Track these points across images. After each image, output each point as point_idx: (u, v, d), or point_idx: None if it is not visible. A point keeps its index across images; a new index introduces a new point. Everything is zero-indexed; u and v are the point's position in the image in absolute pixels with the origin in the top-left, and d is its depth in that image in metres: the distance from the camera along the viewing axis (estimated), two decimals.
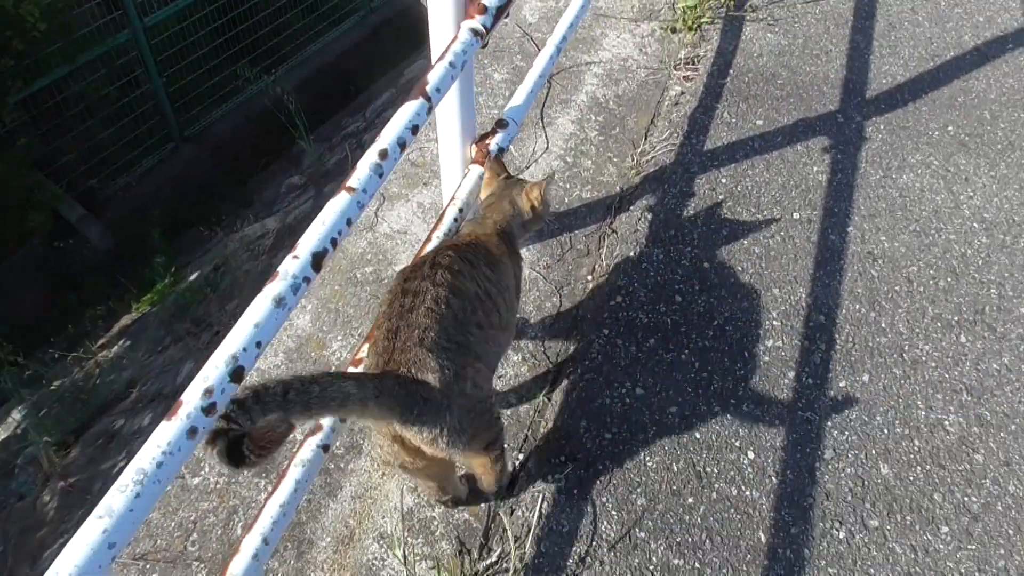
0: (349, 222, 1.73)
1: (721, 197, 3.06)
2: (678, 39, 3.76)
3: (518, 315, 2.67)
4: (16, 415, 5.11)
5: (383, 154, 1.82)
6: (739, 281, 2.79)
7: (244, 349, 1.50)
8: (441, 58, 2.04)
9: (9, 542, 4.11)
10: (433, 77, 1.99)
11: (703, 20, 3.76)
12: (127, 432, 4.43)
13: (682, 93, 3.51)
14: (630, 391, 2.50)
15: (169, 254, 6.49)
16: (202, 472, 2.39)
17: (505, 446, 2.16)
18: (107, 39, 6.41)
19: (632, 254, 2.88)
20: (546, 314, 2.75)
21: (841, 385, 2.51)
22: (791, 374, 2.54)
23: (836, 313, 2.70)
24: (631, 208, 3.05)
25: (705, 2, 3.80)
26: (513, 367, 2.61)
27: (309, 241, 1.66)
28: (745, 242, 2.91)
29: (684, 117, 3.35)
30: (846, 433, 2.40)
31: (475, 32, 2.12)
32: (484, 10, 2.16)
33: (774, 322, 2.68)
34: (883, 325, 2.67)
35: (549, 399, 2.51)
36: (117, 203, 6.86)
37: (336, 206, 1.72)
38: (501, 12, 2.21)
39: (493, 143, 2.55)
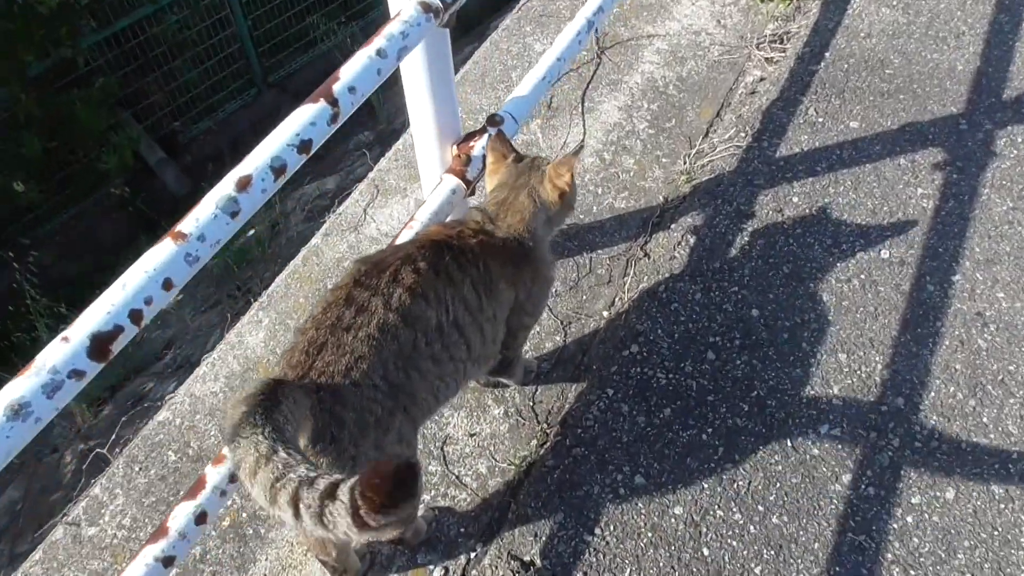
0: (168, 284, 1.16)
1: (789, 222, 2.31)
2: (767, 10, 2.95)
3: (530, 353, 2.08)
4: None
5: (243, 183, 1.24)
6: (795, 339, 2.08)
7: None
8: (367, 44, 1.42)
9: (27, 499, 3.93)
10: (347, 72, 1.38)
11: None
12: (154, 396, 4.15)
13: (761, 79, 2.73)
14: (627, 478, 1.87)
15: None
16: (101, 520, 1.94)
17: (420, 513, 1.73)
18: None
19: (662, 289, 2.20)
20: (544, 356, 2.13)
21: (914, 502, 1.80)
22: (847, 478, 1.84)
23: (921, 396, 1.95)
24: (672, 227, 2.35)
25: None
26: (491, 423, 2.01)
27: (93, 316, 1.11)
28: (811, 286, 2.18)
29: (758, 111, 2.59)
30: (912, 574, 1.70)
31: (426, 7, 1.48)
32: None
33: (834, 400, 1.96)
34: (985, 420, 1.91)
35: (527, 475, 1.92)
36: (197, 147, 6.57)
37: (149, 262, 1.16)
38: None
39: (478, 146, 1.92)
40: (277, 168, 1.26)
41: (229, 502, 1.85)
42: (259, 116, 6.84)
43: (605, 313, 2.21)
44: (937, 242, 2.24)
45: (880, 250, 2.23)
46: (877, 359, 2.03)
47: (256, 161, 1.25)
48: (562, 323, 2.19)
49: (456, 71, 2.43)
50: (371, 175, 2.61)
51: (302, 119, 1.30)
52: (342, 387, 1.31)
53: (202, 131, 6.65)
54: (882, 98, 2.59)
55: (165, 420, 2.08)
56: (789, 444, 1.90)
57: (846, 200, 2.34)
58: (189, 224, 1.18)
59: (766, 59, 2.77)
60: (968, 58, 2.68)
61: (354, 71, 1.36)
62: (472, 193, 1.93)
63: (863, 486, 1.83)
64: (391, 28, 1.43)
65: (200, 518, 1.41)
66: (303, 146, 1.29)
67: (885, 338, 2.07)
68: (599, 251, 2.33)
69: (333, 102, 1.33)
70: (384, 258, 1.47)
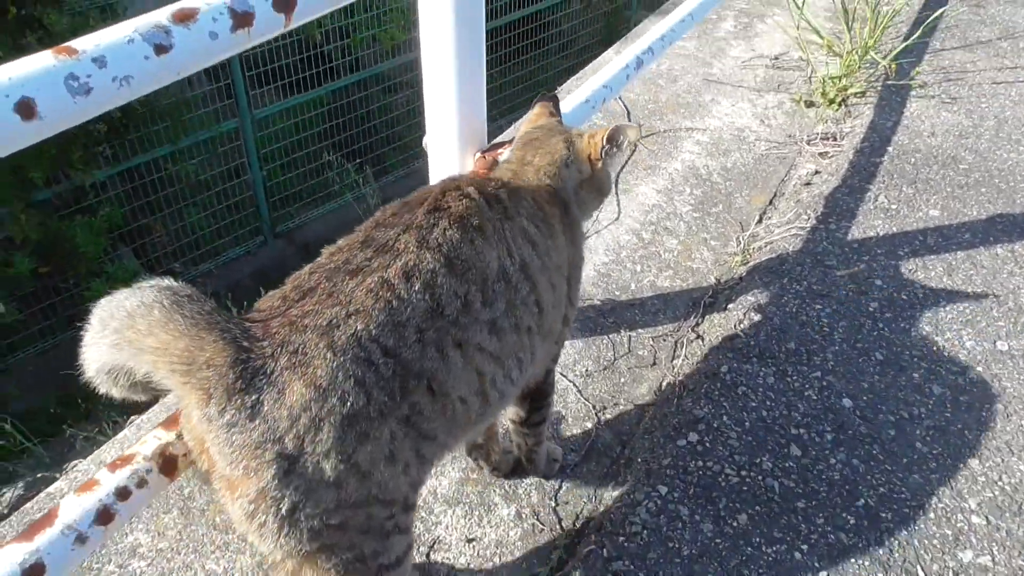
0: (27, 109, 0.69)
1: (874, 305, 1.83)
2: (815, 113, 2.66)
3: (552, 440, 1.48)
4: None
5: (184, 16, 0.80)
6: (905, 436, 1.52)
7: None
8: None
9: None
10: None
11: (851, 91, 2.65)
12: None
13: (816, 172, 2.36)
14: None
15: None
16: None
17: None
18: (213, 125, 5.96)
19: (725, 371, 1.67)
20: (570, 447, 1.56)
21: None
22: None
23: None
24: (729, 307, 1.87)
25: (855, 72, 2.70)
26: (497, 526, 1.41)
27: None
28: (915, 376, 1.65)
29: (819, 197, 2.19)
30: None
31: None
32: None
33: (972, 518, 1.38)
34: None
35: None
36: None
37: (6, 71, 0.68)
38: None
39: (508, 152, 1.49)
40: (239, 14, 0.81)
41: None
42: (262, 264, 6.54)
43: (650, 397, 1.67)
44: None
45: (996, 341, 1.73)
46: (1022, 468, 1.47)
47: None
48: (594, 408, 1.64)
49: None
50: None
51: None
52: (308, 345, 0.82)
53: (201, 273, 6.31)
54: (961, 190, 2.20)
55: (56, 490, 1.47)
56: (920, 573, 1.29)
57: (940, 285, 1.88)
58: (88, 41, 0.72)
59: (819, 154, 2.42)
60: None
61: None
62: None
63: None
64: None
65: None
66: (281, 1, 0.85)
67: None
68: (640, 330, 1.83)
69: None
70: (416, 195, 1.01)
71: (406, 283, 0.88)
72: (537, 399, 1.30)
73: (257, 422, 0.79)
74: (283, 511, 0.82)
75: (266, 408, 0.80)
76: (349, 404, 0.82)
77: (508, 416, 1.37)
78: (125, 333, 0.80)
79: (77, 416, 5.13)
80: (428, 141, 1.54)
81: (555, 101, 1.39)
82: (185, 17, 0.78)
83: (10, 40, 4.47)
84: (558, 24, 7.21)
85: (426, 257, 0.90)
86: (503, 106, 6.90)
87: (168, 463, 0.92)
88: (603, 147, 1.24)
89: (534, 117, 1.36)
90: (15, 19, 4.47)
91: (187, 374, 0.80)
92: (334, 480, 0.82)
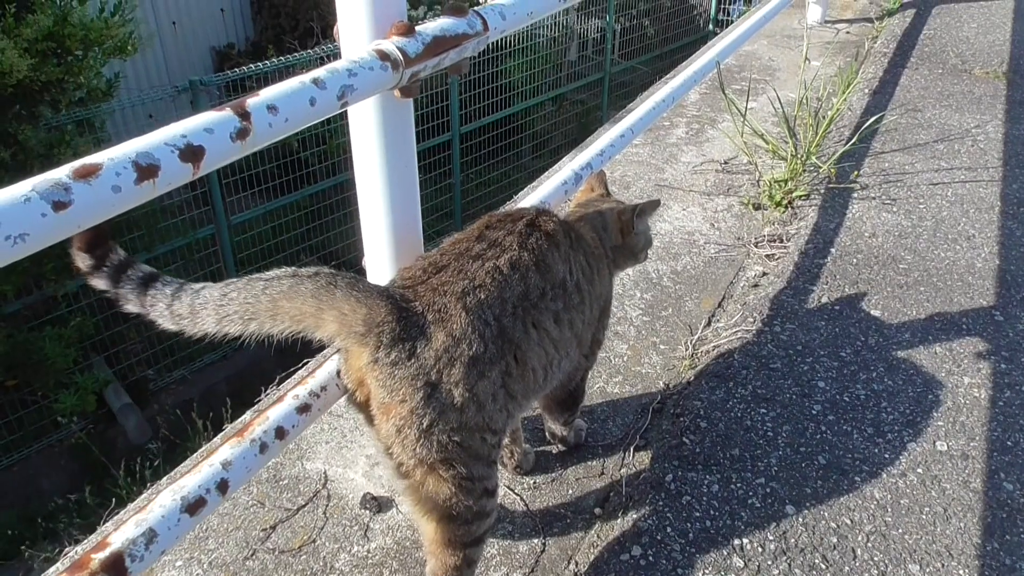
0: None
1: (817, 408, 1.88)
2: (762, 216, 2.78)
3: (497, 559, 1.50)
4: None
5: (85, 172, 0.88)
6: (846, 544, 1.54)
7: None
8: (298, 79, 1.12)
9: None
10: (270, 91, 1.06)
11: (797, 194, 2.78)
12: None
13: (764, 274, 2.45)
14: None
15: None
16: None
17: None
18: (190, 232, 6.07)
19: (670, 479, 1.70)
20: (516, 564, 1.57)
21: None
22: None
23: None
24: (677, 412, 1.91)
25: (799, 175, 2.84)
26: None
27: None
28: (856, 480, 1.69)
29: (765, 299, 2.27)
30: None
31: (382, 54, 1.21)
32: (408, 31, 1.26)
33: None
34: None
35: None
36: (166, 395, 6.17)
37: None
38: (438, 47, 1.30)
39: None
40: (144, 167, 0.89)
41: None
42: (236, 370, 6.53)
43: (597, 510, 1.68)
44: (1003, 435, 1.80)
45: (935, 442, 1.78)
46: (961, 572, 1.49)
47: (115, 152, 0.88)
48: (540, 523, 1.66)
49: None
50: None
51: (195, 122, 0.96)
52: (448, 306, 1.14)
53: (175, 380, 6.29)
54: (901, 289, 2.29)
55: None
56: None
57: (882, 387, 1.93)
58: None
59: (767, 256, 2.51)
60: (986, 257, 2.44)
61: (279, 90, 1.05)
62: None
63: None
64: (335, 64, 1.14)
65: None
66: (188, 152, 0.93)
67: (965, 546, 1.54)
68: (589, 439, 1.86)
69: (243, 115, 0.99)
70: (516, 211, 1.36)
71: (511, 271, 1.21)
72: (571, 403, 1.65)
73: (412, 360, 1.09)
74: (423, 425, 1.11)
75: (419, 350, 1.09)
76: (473, 349, 1.12)
77: (548, 424, 1.74)
78: (304, 309, 1.07)
79: (37, 536, 5.01)
80: (367, 263, 1.61)
81: (602, 179, 1.70)
82: (87, 173, 0.85)
83: None
84: (531, 126, 7.49)
85: (524, 255, 1.23)
86: (480, 205, 7.08)
87: None
88: (631, 222, 1.53)
89: (579, 195, 1.70)
90: None
91: (366, 333, 1.08)
92: (460, 405, 1.12)
